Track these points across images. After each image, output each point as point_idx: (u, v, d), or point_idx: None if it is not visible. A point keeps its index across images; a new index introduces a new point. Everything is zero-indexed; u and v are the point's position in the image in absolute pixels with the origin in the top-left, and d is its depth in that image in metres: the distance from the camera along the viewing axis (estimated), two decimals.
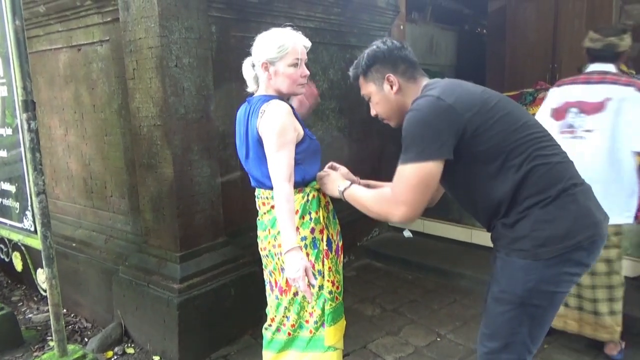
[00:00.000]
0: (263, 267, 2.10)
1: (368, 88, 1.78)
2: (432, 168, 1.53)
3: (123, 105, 3.11)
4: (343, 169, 2.05)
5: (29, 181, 2.19)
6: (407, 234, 4.65)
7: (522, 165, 1.55)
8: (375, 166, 4.47)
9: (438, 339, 2.98)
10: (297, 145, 1.86)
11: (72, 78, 3.48)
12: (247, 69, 1.97)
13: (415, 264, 4.06)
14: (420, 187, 1.54)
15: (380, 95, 1.75)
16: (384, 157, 4.55)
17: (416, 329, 3.11)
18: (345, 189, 1.85)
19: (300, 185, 1.92)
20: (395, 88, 1.71)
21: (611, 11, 5.31)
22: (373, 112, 1.83)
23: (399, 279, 3.92)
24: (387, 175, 1.80)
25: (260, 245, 2.06)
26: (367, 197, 1.77)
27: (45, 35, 3.57)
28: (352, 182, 1.96)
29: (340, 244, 2.07)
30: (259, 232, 2.05)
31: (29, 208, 2.25)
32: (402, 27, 4.79)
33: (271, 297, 2.07)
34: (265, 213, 1.99)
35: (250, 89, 2.00)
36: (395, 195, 1.59)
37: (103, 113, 3.31)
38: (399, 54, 1.71)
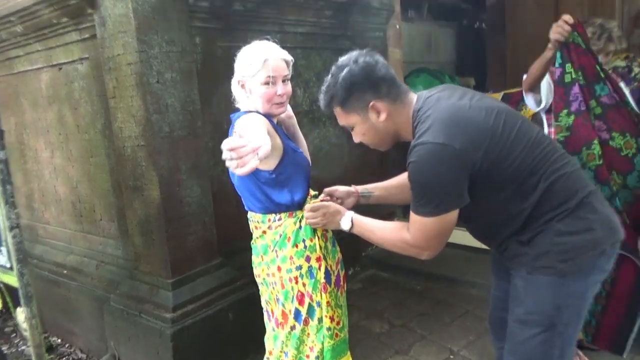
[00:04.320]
0: (260, 293, 1.95)
1: (350, 119, 1.59)
2: (451, 216, 1.46)
3: (106, 125, 2.95)
4: (342, 190, 1.90)
5: (2, 215, 2.05)
6: None
7: (539, 184, 1.45)
8: (377, 171, 4.28)
9: (451, 357, 2.81)
10: (279, 162, 1.68)
11: (55, 98, 3.34)
12: (233, 85, 1.81)
13: (423, 273, 3.86)
14: (442, 235, 1.52)
15: (367, 126, 1.57)
16: (385, 162, 4.38)
17: (427, 346, 2.93)
18: (351, 228, 1.72)
19: (291, 208, 1.77)
20: (383, 116, 1.53)
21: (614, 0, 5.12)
22: (357, 140, 1.66)
23: (406, 290, 3.75)
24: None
25: (255, 272, 1.92)
26: (384, 238, 1.67)
27: (25, 55, 3.43)
28: (358, 193, 1.91)
29: (342, 273, 1.90)
30: (253, 258, 1.90)
31: (3, 244, 2.10)
32: (397, 26, 4.61)
33: (268, 326, 1.93)
34: (258, 237, 1.85)
35: (238, 105, 1.84)
36: (418, 243, 1.54)
37: (87, 134, 3.16)
38: (377, 74, 1.52)
